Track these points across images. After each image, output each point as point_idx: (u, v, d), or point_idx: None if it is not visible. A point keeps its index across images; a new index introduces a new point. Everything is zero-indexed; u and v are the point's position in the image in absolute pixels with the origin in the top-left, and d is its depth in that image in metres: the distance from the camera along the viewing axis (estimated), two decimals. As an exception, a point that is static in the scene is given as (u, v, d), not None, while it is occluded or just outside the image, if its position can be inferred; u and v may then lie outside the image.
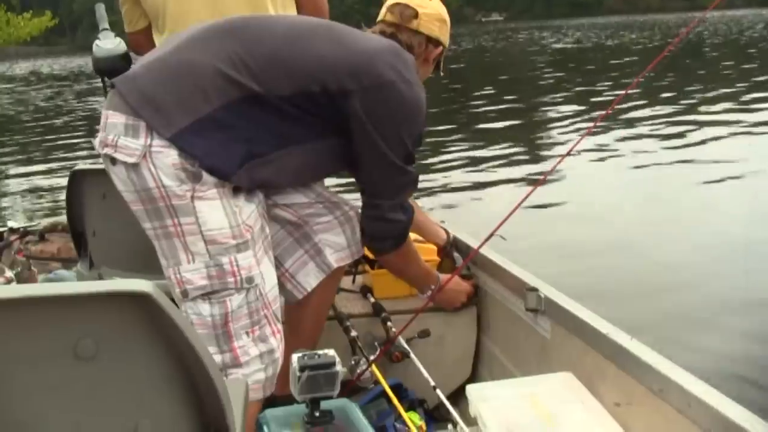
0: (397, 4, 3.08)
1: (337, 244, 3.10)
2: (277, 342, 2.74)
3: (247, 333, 2.66)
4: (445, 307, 3.65)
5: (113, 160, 2.57)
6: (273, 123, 2.68)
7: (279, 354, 2.74)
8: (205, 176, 2.55)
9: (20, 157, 18.11)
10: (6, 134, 23.12)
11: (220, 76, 2.59)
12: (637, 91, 19.06)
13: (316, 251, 3.08)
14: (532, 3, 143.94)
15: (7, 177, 15.48)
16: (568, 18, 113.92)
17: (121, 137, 2.54)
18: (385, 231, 3.06)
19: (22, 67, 61.04)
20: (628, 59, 32.63)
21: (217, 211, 2.58)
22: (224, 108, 2.58)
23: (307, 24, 2.93)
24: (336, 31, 2.87)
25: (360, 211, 3.12)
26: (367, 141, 2.80)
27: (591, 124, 3.71)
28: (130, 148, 2.52)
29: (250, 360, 2.67)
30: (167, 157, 2.51)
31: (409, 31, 3.05)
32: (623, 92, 3.58)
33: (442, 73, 3.27)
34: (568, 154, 3.61)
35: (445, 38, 3.18)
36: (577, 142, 3.61)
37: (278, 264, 2.99)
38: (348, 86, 2.71)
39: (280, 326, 2.79)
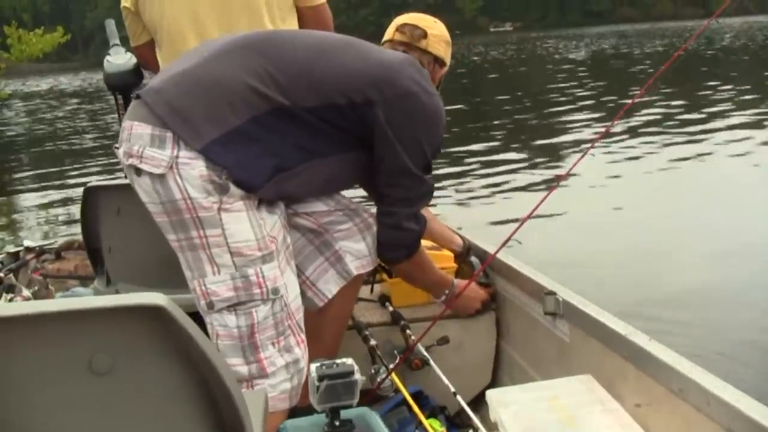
0: (406, 24, 3.15)
1: (357, 251, 3.09)
2: (301, 352, 2.75)
3: (273, 343, 2.68)
4: (460, 314, 3.64)
5: (138, 171, 2.56)
6: (299, 136, 2.70)
7: (304, 363, 2.75)
8: (233, 188, 2.55)
9: (34, 175, 18.16)
10: (20, 152, 23.21)
11: (248, 89, 2.60)
12: (657, 98, 19.13)
13: (337, 258, 3.07)
14: (546, 12, 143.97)
15: (22, 195, 15.53)
16: (581, 27, 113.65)
17: (147, 148, 2.53)
18: (398, 239, 3.07)
19: (35, 84, 61.26)
20: (646, 68, 32.43)
21: (243, 224, 2.60)
22: (252, 121, 2.59)
23: (330, 39, 2.96)
24: (358, 46, 2.91)
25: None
26: (388, 150, 2.83)
27: (604, 130, 3.69)
28: (157, 158, 2.52)
29: (276, 371, 2.68)
30: (194, 168, 2.51)
31: (419, 50, 3.11)
32: (629, 102, 3.58)
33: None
34: (582, 158, 3.60)
35: (448, 57, 3.24)
36: (588, 149, 3.61)
37: (299, 272, 3.00)
38: (373, 97, 2.75)
39: (303, 336, 2.80)
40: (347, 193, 3.16)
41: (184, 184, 2.51)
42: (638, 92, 3.55)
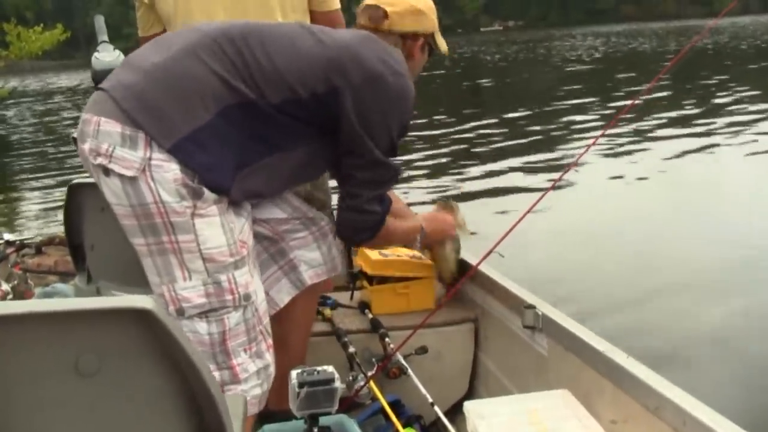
0: (367, 6, 3.04)
1: (312, 260, 3.08)
2: (271, 357, 2.74)
3: (244, 350, 2.65)
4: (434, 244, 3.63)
5: (107, 171, 2.48)
6: (262, 131, 2.64)
7: (273, 369, 2.75)
8: (207, 193, 2.50)
9: (19, 170, 18.12)
10: (14, 149, 23.15)
11: (218, 81, 2.54)
12: (660, 98, 19.19)
13: (291, 267, 3.06)
14: (548, 11, 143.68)
15: (5, 190, 15.48)
16: (584, 25, 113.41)
17: (117, 148, 2.45)
18: (361, 222, 2.96)
19: (33, 81, 60.81)
20: (647, 67, 32.35)
21: (216, 229, 2.55)
22: (220, 114, 2.52)
23: (292, 29, 2.84)
24: (316, 31, 2.82)
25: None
26: (353, 136, 2.75)
27: (596, 138, 3.68)
28: (128, 160, 2.44)
29: (248, 377, 2.67)
30: (167, 171, 2.44)
31: (382, 32, 2.97)
32: (629, 104, 3.59)
33: (447, 59, 3.25)
34: (567, 171, 3.62)
35: (424, 25, 3.06)
36: (578, 158, 3.62)
37: None
38: (336, 83, 2.67)
39: (271, 340, 2.78)
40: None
41: (156, 188, 2.45)
42: (628, 105, 3.57)
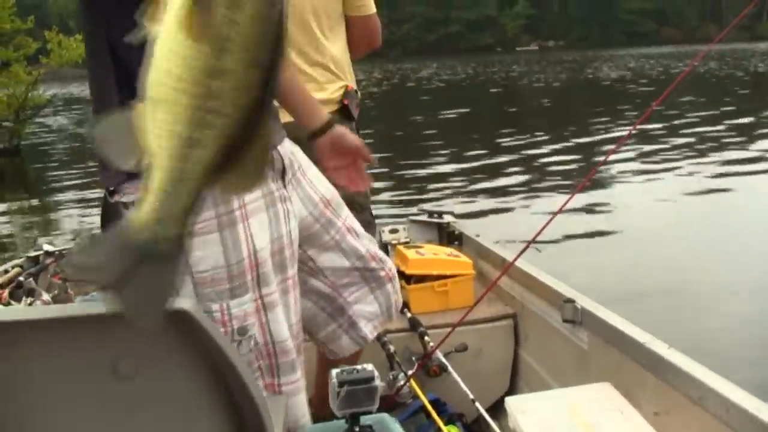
0: None
1: (370, 313, 2.87)
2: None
3: None
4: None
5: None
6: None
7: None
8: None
9: (58, 179, 18.23)
10: (49, 156, 23.34)
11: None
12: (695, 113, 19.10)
13: (350, 324, 2.85)
14: (589, 32, 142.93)
15: (45, 200, 15.59)
16: (625, 47, 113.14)
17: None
18: None
19: (74, 89, 60.96)
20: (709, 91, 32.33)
21: (211, 248, 2.21)
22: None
23: None
24: None
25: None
26: None
27: (612, 149, 3.66)
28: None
29: None
30: None
31: None
32: (649, 109, 3.57)
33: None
34: (602, 164, 3.61)
35: None
36: (607, 156, 3.60)
37: (310, 333, 2.79)
38: None
39: (281, 380, 2.42)
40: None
41: None
42: (643, 116, 3.55)
